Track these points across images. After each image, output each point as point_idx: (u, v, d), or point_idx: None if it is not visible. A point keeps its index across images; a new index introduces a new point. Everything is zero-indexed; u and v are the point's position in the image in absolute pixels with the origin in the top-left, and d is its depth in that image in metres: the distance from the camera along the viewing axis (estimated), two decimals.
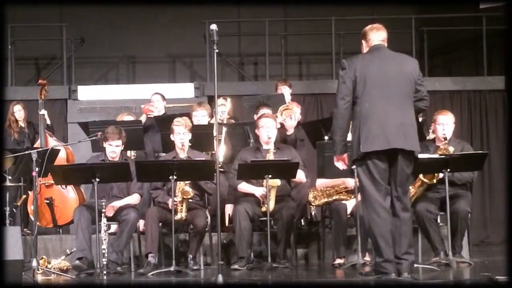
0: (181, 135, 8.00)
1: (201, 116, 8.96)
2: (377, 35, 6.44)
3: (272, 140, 8.10)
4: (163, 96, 9.91)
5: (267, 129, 8.07)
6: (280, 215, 7.78)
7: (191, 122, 8.35)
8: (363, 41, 6.50)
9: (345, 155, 6.45)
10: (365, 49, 6.50)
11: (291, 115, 8.82)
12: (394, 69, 6.32)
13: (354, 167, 7.43)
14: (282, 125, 8.74)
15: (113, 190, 8.07)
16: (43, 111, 9.24)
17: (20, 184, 9.21)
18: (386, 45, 6.45)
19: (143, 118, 9.63)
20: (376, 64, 6.32)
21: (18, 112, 9.85)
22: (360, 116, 6.27)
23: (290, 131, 8.83)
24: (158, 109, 9.75)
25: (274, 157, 7.95)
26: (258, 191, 7.91)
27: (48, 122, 9.58)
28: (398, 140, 6.22)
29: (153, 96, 9.92)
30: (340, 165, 6.51)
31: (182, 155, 7.99)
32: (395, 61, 6.39)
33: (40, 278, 7.37)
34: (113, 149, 8.02)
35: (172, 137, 8.08)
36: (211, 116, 9.07)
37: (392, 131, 6.21)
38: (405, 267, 6.25)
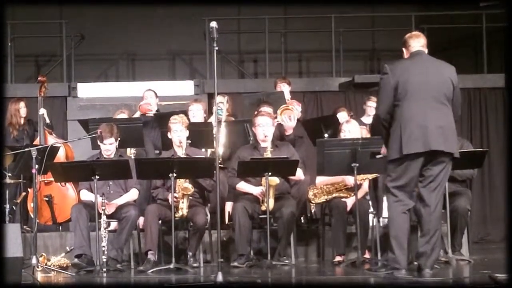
0: (178, 132, 7.98)
1: (196, 111, 8.96)
2: (416, 41, 6.60)
3: (269, 138, 8.07)
4: (155, 93, 9.83)
5: (263, 128, 8.04)
6: (281, 213, 7.77)
7: (188, 118, 8.33)
8: (403, 49, 6.66)
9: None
10: (405, 55, 6.66)
11: (290, 116, 8.78)
12: (434, 73, 6.49)
13: (354, 164, 7.51)
14: (281, 125, 8.71)
15: (110, 186, 8.06)
16: (42, 110, 9.22)
17: (20, 181, 9.21)
18: (426, 51, 6.61)
19: (136, 115, 9.60)
20: (417, 69, 6.48)
21: (23, 109, 9.81)
22: (401, 119, 6.40)
23: (289, 132, 8.78)
24: (151, 106, 9.72)
25: (272, 155, 7.93)
26: (256, 190, 7.90)
27: (48, 120, 9.53)
28: (439, 142, 6.34)
29: (145, 92, 9.80)
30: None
31: (181, 152, 7.97)
32: (435, 66, 6.57)
33: (39, 275, 7.37)
34: (107, 147, 8.01)
35: (169, 134, 8.07)
36: (207, 111, 9.06)
37: (432, 133, 6.34)
38: (428, 263, 6.39)
